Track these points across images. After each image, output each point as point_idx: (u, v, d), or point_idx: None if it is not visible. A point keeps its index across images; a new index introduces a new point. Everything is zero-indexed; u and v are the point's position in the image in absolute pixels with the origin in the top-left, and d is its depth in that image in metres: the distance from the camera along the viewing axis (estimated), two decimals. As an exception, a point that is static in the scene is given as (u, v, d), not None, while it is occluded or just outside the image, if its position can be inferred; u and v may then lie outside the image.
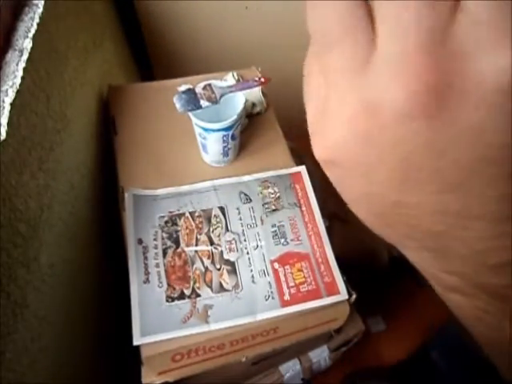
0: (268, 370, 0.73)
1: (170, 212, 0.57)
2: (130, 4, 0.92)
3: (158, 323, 0.48)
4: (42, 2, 0.47)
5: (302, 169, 0.64)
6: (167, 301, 0.50)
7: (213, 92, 0.54)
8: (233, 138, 0.59)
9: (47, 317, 0.44)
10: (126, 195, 0.58)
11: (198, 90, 0.54)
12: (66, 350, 0.49)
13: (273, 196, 0.60)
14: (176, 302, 0.50)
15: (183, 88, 0.67)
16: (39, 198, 0.43)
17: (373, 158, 0.14)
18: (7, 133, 0.36)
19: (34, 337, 0.41)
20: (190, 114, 0.55)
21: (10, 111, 0.37)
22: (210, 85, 0.54)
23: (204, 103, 0.53)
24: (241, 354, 0.53)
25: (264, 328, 0.51)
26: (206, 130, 0.56)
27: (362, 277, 0.69)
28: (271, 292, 0.52)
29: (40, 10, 0.46)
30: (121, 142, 0.65)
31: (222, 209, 0.59)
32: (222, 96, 0.54)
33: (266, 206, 0.59)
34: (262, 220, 0.58)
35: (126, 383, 0.67)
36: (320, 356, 0.74)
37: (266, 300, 0.51)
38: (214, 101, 0.54)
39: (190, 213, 0.58)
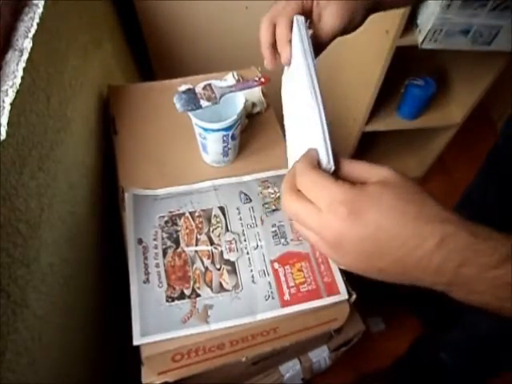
0: (268, 370, 0.74)
1: (170, 212, 0.57)
2: (130, 4, 0.92)
3: (157, 323, 0.48)
4: (42, 2, 0.47)
5: None
6: (167, 301, 0.50)
7: (213, 92, 0.54)
8: (233, 138, 0.59)
9: (47, 317, 0.44)
10: (126, 195, 0.58)
11: (198, 89, 0.54)
12: (66, 349, 0.49)
13: (273, 196, 0.60)
14: (176, 301, 0.50)
15: (183, 88, 0.67)
16: (39, 197, 0.43)
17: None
18: (7, 133, 0.36)
19: (33, 337, 0.41)
20: (189, 113, 0.55)
21: (10, 111, 0.37)
22: (210, 85, 0.55)
23: (204, 103, 0.53)
24: (241, 354, 0.53)
25: (264, 328, 0.51)
26: (205, 129, 0.56)
27: (361, 277, 0.68)
28: (271, 292, 0.52)
29: (40, 10, 0.47)
30: (121, 142, 0.65)
31: (222, 209, 0.59)
32: (222, 96, 0.54)
33: (266, 205, 0.59)
34: (262, 220, 0.58)
35: (126, 383, 0.67)
36: (320, 356, 0.74)
37: (266, 300, 0.51)
38: (214, 101, 0.54)
39: (190, 213, 0.58)
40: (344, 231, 0.25)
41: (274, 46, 0.41)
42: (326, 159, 0.29)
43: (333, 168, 0.29)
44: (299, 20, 0.40)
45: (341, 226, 0.25)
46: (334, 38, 0.42)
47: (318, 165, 0.29)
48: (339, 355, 0.76)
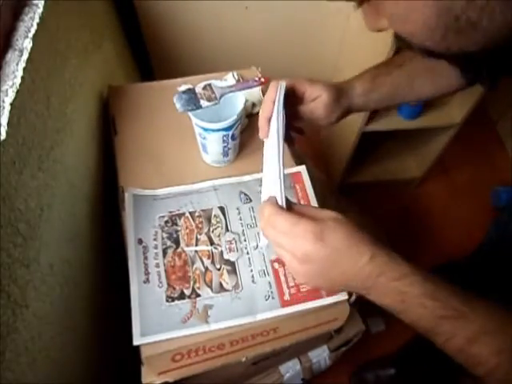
0: (268, 370, 0.74)
1: (170, 212, 0.57)
2: (130, 4, 0.92)
3: (158, 323, 0.48)
4: (42, 2, 0.47)
5: (302, 169, 0.64)
6: (167, 301, 0.50)
7: (213, 92, 0.54)
8: (233, 137, 0.59)
9: (47, 317, 0.44)
10: (126, 195, 0.58)
11: (198, 89, 0.54)
12: (66, 349, 0.49)
13: (273, 196, 0.60)
14: (176, 301, 0.50)
15: (183, 88, 0.67)
16: (39, 197, 0.43)
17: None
18: (7, 133, 0.36)
19: (34, 337, 0.41)
20: (189, 113, 0.55)
21: (10, 111, 0.37)
22: (210, 85, 0.54)
23: (204, 103, 0.53)
24: (241, 354, 0.53)
25: (264, 328, 0.51)
26: (205, 129, 0.56)
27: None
28: (271, 292, 0.52)
29: (40, 10, 0.46)
30: (121, 142, 0.65)
31: (222, 209, 0.59)
32: (222, 96, 0.54)
33: None
34: None
35: (126, 383, 0.67)
36: (320, 356, 0.74)
37: (266, 300, 0.51)
38: (214, 101, 0.54)
39: (189, 213, 0.58)
40: (312, 251, 0.36)
41: (269, 120, 0.49)
42: (280, 194, 0.39)
43: (284, 200, 0.39)
44: (281, 85, 0.47)
45: (310, 247, 0.36)
46: (308, 122, 0.53)
47: (277, 203, 0.39)
48: (339, 355, 0.76)
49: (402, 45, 0.37)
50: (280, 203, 0.39)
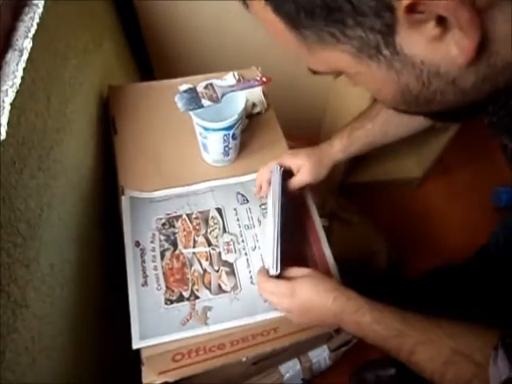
0: (268, 370, 0.73)
1: (167, 214, 0.57)
2: (130, 4, 0.92)
3: (157, 326, 0.48)
4: (42, 2, 0.47)
5: None
6: (166, 303, 0.50)
7: (214, 91, 0.54)
8: (233, 137, 0.59)
9: (47, 317, 0.44)
10: (123, 198, 0.57)
11: (200, 89, 0.54)
12: (65, 349, 0.49)
13: (272, 196, 0.60)
14: (175, 304, 0.50)
15: (184, 87, 0.67)
16: (39, 197, 0.43)
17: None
18: (7, 133, 0.36)
19: (34, 337, 0.41)
20: (191, 113, 0.55)
21: (10, 111, 0.37)
22: (211, 84, 0.54)
23: (206, 102, 0.53)
24: (241, 353, 0.53)
25: (264, 328, 0.51)
26: (206, 129, 0.56)
27: (359, 278, 0.69)
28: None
29: (40, 10, 0.46)
30: (121, 142, 0.65)
31: (219, 210, 0.58)
32: (223, 95, 0.54)
33: (263, 206, 0.59)
34: (259, 221, 0.58)
35: (127, 383, 0.67)
36: (320, 356, 0.74)
37: (265, 301, 0.51)
38: (215, 100, 0.54)
39: (187, 215, 0.57)
40: (289, 304, 0.47)
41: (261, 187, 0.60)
42: (275, 268, 0.48)
43: (277, 273, 0.48)
44: (276, 168, 0.56)
45: (288, 301, 0.47)
46: (304, 184, 0.60)
47: (267, 273, 0.49)
48: (339, 355, 0.76)
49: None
50: (272, 272, 0.48)
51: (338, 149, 0.60)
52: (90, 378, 0.57)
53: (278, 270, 0.48)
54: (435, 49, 0.25)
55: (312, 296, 0.46)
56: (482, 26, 0.23)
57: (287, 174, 0.59)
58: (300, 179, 0.59)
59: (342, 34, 0.26)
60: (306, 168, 0.58)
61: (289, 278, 0.48)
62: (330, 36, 0.26)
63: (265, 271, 0.50)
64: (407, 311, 0.43)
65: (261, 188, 0.59)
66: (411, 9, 0.22)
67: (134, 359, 0.49)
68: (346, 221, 1.04)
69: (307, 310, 0.47)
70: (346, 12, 0.24)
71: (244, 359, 0.53)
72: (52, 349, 0.45)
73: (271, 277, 0.49)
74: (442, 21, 0.23)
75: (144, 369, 0.48)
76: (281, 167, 0.56)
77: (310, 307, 0.46)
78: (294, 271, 0.49)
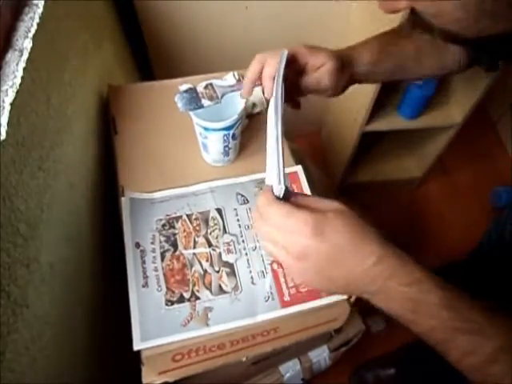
0: (268, 370, 0.73)
1: (167, 215, 0.57)
2: (130, 4, 0.92)
3: (157, 327, 0.48)
4: (42, 2, 0.47)
5: (299, 168, 0.64)
6: (166, 304, 0.50)
7: (214, 91, 0.54)
8: (233, 137, 0.59)
9: (47, 317, 0.44)
10: (123, 199, 0.57)
11: (200, 89, 0.54)
12: (66, 350, 0.49)
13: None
14: (175, 305, 0.50)
15: (184, 87, 0.67)
16: (39, 197, 0.43)
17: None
18: (7, 133, 0.36)
19: (33, 337, 0.41)
20: (191, 113, 0.55)
21: (10, 111, 0.37)
22: (211, 84, 0.54)
23: (206, 102, 0.53)
24: (241, 353, 0.53)
25: (264, 328, 0.51)
26: (206, 129, 0.56)
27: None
28: (271, 293, 0.52)
29: (40, 10, 0.46)
30: (121, 142, 0.65)
31: (219, 210, 0.58)
32: (223, 95, 0.54)
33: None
34: None
35: (127, 383, 0.67)
36: (320, 356, 0.74)
37: (266, 301, 0.51)
38: (215, 100, 0.53)
39: (187, 215, 0.57)
40: (308, 246, 0.31)
41: (254, 81, 0.48)
42: (277, 181, 0.35)
43: (283, 188, 0.34)
44: (284, 53, 0.46)
45: (306, 242, 0.31)
46: (312, 93, 0.49)
47: (273, 193, 0.34)
48: (339, 355, 0.76)
49: (416, 26, 0.35)
50: (276, 192, 0.34)
51: (367, 60, 0.50)
52: (90, 378, 0.57)
53: (286, 184, 0.35)
54: None
55: (346, 243, 0.31)
56: None
57: (293, 70, 0.48)
58: (318, 77, 0.47)
59: None
60: (326, 69, 0.47)
61: (312, 209, 0.32)
62: None
63: (270, 191, 0.35)
64: (485, 301, 0.32)
65: (255, 84, 0.47)
66: None
67: (134, 359, 0.49)
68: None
69: (332, 263, 0.31)
70: None
71: (244, 359, 0.53)
72: (52, 349, 0.45)
73: (277, 199, 0.34)
74: None
75: (144, 369, 0.48)
76: (289, 58, 0.46)
77: (338, 261, 0.31)
78: (316, 200, 0.34)
